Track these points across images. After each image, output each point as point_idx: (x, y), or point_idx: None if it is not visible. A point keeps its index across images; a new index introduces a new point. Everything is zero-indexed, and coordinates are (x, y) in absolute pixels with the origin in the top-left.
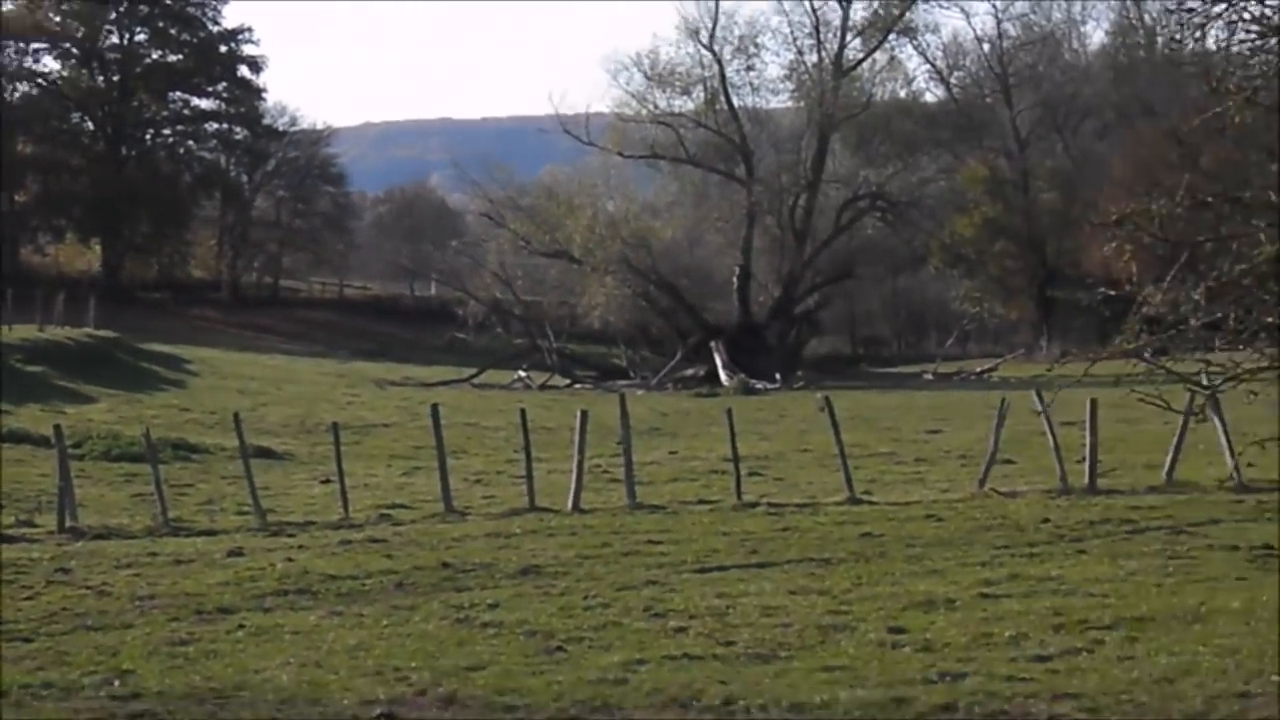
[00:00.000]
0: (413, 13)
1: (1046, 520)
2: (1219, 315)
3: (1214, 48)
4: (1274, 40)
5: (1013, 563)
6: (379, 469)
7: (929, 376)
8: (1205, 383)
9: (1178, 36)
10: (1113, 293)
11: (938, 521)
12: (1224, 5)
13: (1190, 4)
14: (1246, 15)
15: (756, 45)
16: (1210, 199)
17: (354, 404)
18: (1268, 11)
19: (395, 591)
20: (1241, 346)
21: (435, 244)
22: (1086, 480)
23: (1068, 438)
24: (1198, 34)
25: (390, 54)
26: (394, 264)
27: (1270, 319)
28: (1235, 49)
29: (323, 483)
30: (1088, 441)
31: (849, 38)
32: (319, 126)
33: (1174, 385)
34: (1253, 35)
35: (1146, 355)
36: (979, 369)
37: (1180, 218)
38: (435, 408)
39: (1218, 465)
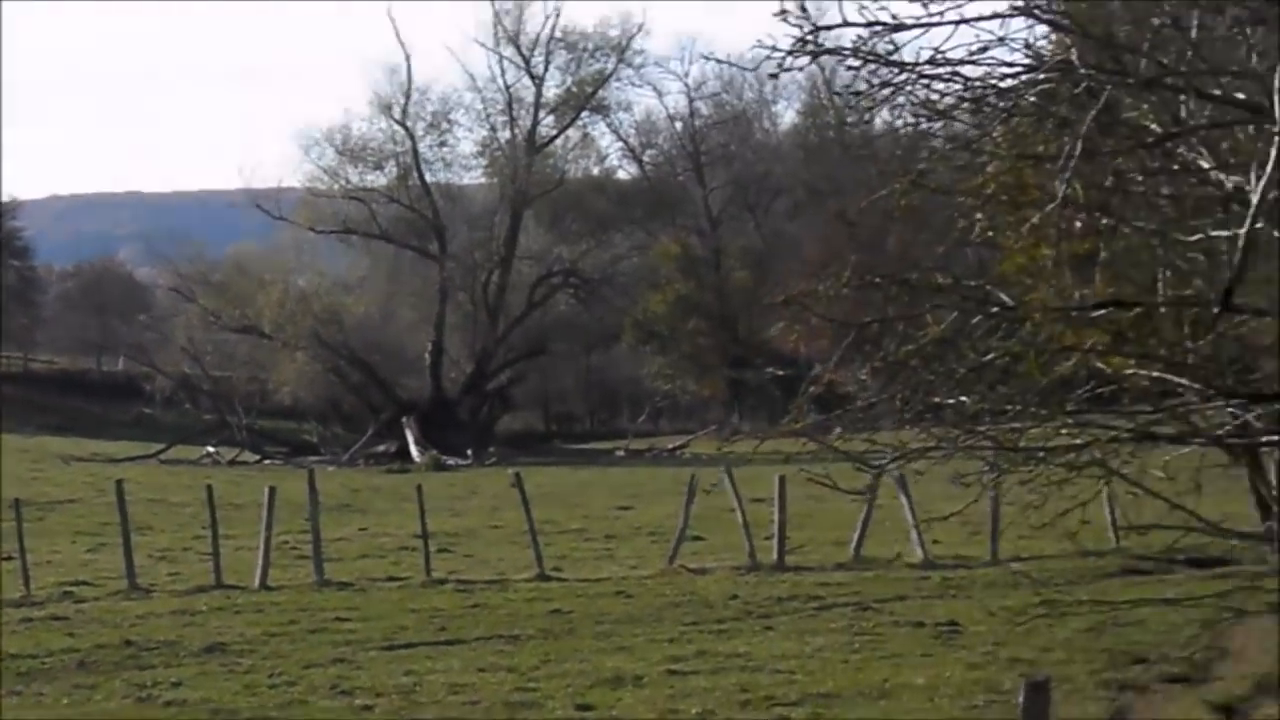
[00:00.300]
0: (98, 84)
1: (735, 597)
2: (886, 396)
3: (883, 130)
4: (939, 124)
5: (701, 639)
6: (62, 545)
7: (621, 453)
8: (875, 462)
9: (849, 119)
10: (781, 372)
11: (627, 598)
12: (890, 89)
13: (857, 87)
14: (914, 99)
15: (450, 121)
16: (878, 280)
17: (38, 480)
18: (934, 95)
19: (77, 670)
20: (909, 426)
21: (123, 318)
22: (775, 557)
23: (757, 514)
24: (867, 117)
25: (76, 126)
26: (81, 338)
27: (936, 399)
28: (903, 131)
29: (4, 560)
30: (776, 518)
31: (542, 115)
32: (3, 199)
33: (845, 464)
34: (921, 118)
35: (819, 435)
36: (670, 446)
37: (848, 299)
38: (120, 483)
39: (904, 542)
